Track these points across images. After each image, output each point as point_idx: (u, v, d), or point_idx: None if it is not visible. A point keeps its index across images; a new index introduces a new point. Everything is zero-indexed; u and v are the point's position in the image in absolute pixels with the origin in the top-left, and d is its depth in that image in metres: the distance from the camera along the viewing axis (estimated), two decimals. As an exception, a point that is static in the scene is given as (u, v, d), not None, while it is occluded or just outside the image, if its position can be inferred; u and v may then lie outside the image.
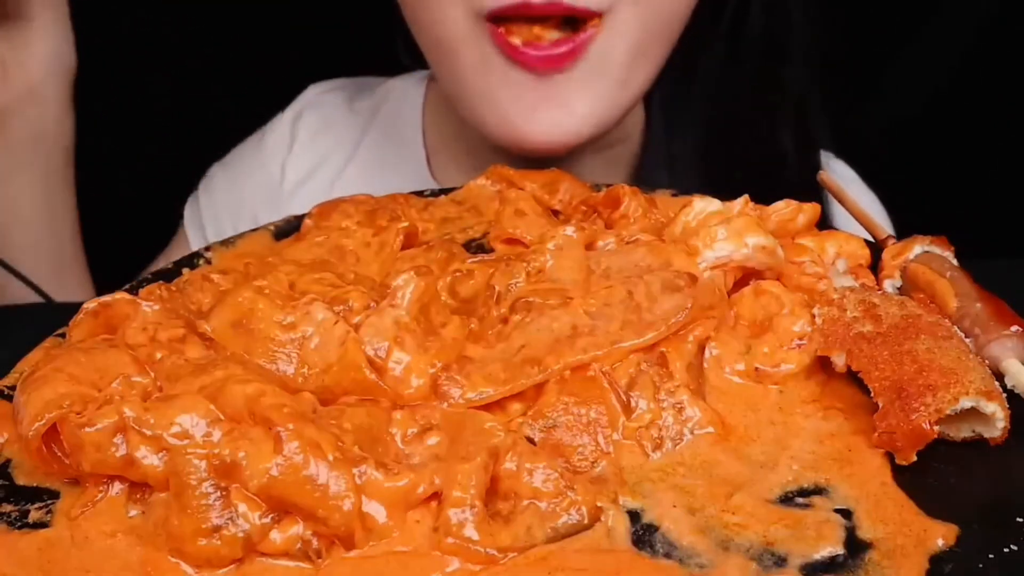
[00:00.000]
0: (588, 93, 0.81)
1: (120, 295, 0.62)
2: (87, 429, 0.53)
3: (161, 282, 0.65)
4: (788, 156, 1.01)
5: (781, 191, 0.96)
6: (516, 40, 0.79)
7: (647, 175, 0.90)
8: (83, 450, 0.53)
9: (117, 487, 0.54)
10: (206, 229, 1.12)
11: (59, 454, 0.55)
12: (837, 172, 1.11)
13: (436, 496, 0.52)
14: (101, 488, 0.54)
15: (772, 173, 1.00)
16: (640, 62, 0.83)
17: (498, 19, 0.80)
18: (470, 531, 0.50)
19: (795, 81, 1.01)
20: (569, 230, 0.64)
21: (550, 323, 0.58)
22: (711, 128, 1.00)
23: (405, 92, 1.13)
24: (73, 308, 0.62)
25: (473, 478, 0.51)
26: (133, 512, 0.53)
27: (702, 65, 0.94)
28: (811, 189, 0.99)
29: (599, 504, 0.52)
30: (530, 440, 0.55)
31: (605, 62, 0.81)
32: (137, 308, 0.61)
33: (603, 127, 0.84)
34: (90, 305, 0.62)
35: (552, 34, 0.79)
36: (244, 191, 1.11)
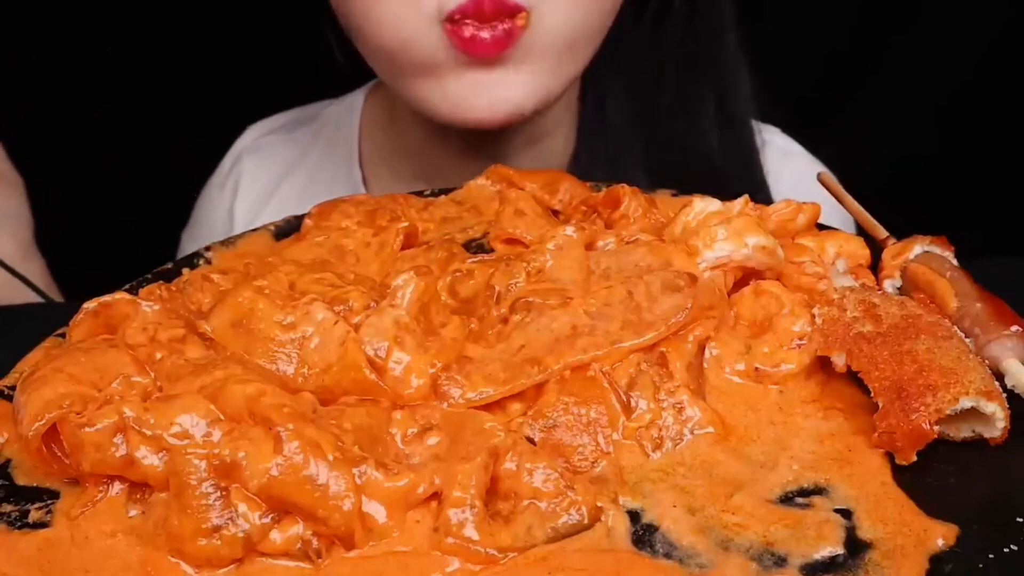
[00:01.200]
0: (524, 75, 0.88)
1: (120, 295, 0.62)
2: (87, 429, 0.53)
3: (161, 282, 0.65)
4: (713, 142, 1.05)
5: (711, 176, 1.00)
6: (468, 31, 0.84)
7: (580, 170, 0.93)
8: (83, 450, 0.53)
9: (117, 487, 0.54)
10: None
11: (59, 454, 0.55)
12: (779, 145, 1.12)
13: (436, 496, 0.51)
14: (101, 488, 0.54)
15: (700, 159, 1.04)
16: (568, 54, 0.91)
17: (451, 20, 0.84)
18: (470, 531, 0.50)
19: (718, 65, 1.05)
20: (569, 230, 0.63)
21: (550, 323, 0.58)
22: (643, 117, 1.04)
23: (345, 109, 1.16)
24: (73, 308, 0.62)
25: (473, 478, 0.51)
26: (133, 512, 0.53)
27: (627, 55, 0.97)
28: (742, 174, 1.02)
29: (599, 504, 0.52)
30: (530, 440, 0.55)
31: (536, 48, 0.88)
32: (137, 308, 0.61)
33: (541, 105, 0.92)
34: (90, 305, 0.62)
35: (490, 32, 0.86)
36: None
